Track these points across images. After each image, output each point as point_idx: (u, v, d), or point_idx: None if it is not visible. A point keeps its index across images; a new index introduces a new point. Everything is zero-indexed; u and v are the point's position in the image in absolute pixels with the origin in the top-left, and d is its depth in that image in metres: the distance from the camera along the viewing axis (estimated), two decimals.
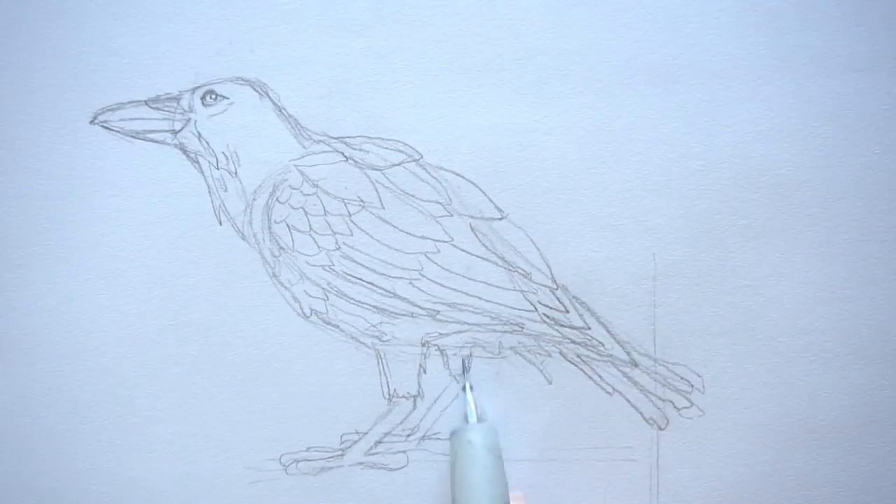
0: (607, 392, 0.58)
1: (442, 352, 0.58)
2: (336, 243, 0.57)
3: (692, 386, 0.57)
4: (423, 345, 0.57)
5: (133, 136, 0.57)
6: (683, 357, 0.57)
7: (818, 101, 0.57)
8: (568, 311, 0.57)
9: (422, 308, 0.57)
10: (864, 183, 0.57)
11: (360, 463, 0.58)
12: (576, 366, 0.57)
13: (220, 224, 0.57)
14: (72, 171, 0.57)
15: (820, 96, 0.57)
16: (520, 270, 0.57)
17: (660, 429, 0.58)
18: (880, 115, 0.57)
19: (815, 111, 0.57)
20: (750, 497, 0.57)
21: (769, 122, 0.57)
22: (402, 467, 0.58)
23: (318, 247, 0.57)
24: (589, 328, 0.57)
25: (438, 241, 0.57)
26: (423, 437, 0.58)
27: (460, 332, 0.57)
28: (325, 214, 0.57)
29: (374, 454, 0.58)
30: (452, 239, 0.57)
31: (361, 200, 0.57)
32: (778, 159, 0.57)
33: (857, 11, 0.57)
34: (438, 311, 0.57)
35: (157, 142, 0.57)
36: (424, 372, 0.58)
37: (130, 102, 0.57)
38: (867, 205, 0.57)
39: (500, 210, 0.57)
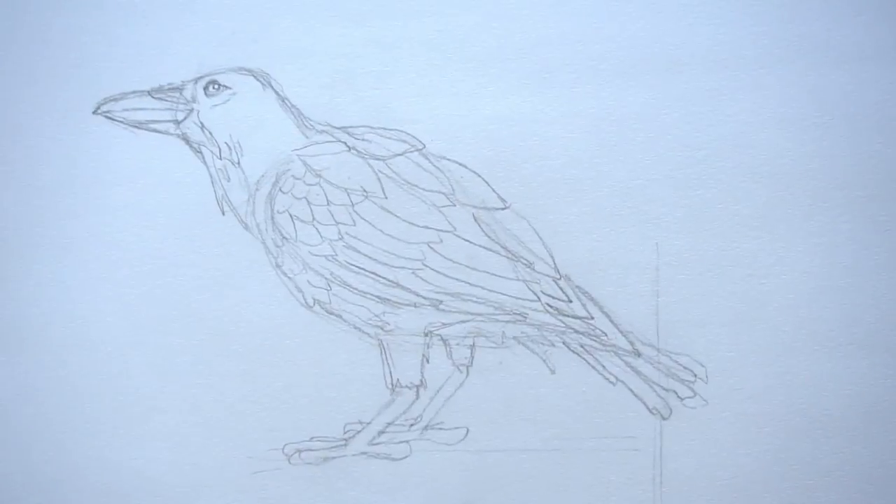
0: (611, 382, 0.58)
1: (445, 342, 0.58)
2: (339, 233, 0.57)
3: (695, 376, 0.57)
4: (426, 334, 0.57)
5: (136, 126, 0.57)
6: (686, 347, 0.57)
7: (818, 90, 0.57)
8: (571, 301, 0.57)
9: (425, 298, 0.57)
10: (864, 172, 0.57)
11: (364, 453, 0.57)
12: (579, 356, 0.58)
13: (223, 214, 0.57)
14: (74, 161, 0.57)
15: (820, 86, 0.57)
16: (523, 260, 0.57)
17: (663, 419, 0.57)
18: (880, 104, 0.57)
19: (816, 101, 0.57)
20: (753, 486, 0.57)
21: (771, 112, 0.57)
22: (406, 457, 0.58)
23: (321, 237, 0.57)
24: (592, 318, 0.57)
25: (441, 230, 0.57)
26: (426, 427, 0.58)
27: (463, 321, 0.57)
28: (327, 204, 0.57)
29: (377, 444, 0.58)
30: (455, 229, 0.57)
31: (364, 190, 0.57)
32: (780, 149, 0.57)
33: (854, 2, 0.57)
34: (441, 301, 0.57)
35: (159, 132, 0.57)
36: (427, 362, 0.58)
37: (133, 92, 0.57)
38: (867, 194, 0.57)
39: (503, 200, 0.58)
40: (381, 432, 0.58)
